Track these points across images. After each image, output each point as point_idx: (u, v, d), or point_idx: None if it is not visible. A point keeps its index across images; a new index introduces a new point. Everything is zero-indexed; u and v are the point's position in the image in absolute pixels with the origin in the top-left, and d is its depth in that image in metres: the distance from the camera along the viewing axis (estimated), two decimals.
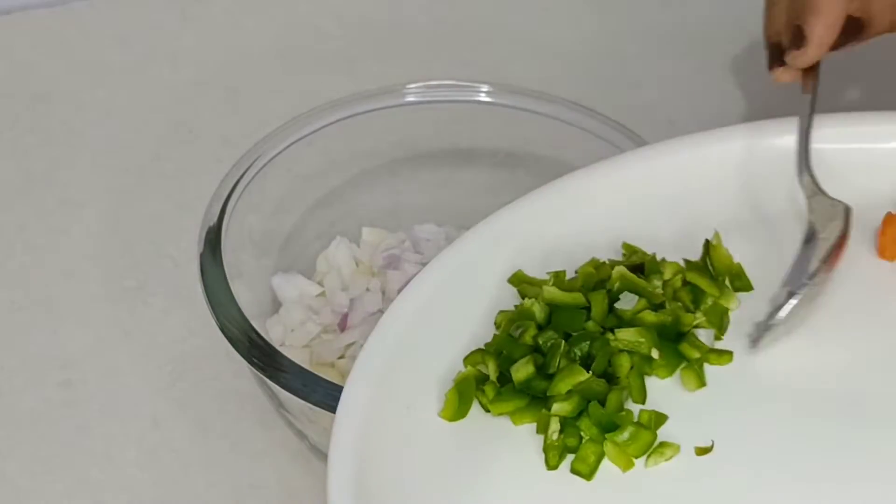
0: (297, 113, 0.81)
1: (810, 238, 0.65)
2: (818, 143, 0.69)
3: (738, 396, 0.62)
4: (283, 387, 0.68)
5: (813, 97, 0.69)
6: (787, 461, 0.60)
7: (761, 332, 0.63)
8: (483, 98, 0.82)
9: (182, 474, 0.76)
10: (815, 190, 0.67)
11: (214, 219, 0.75)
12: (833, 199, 0.66)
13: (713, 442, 0.60)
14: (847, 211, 0.65)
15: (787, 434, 0.61)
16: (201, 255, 0.73)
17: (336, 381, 0.69)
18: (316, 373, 0.69)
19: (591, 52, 0.99)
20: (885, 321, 0.65)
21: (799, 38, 0.68)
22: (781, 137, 0.70)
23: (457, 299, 0.65)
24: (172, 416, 0.78)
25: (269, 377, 0.69)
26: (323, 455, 0.73)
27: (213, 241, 0.74)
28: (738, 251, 0.67)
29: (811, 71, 0.69)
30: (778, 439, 0.60)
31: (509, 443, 0.61)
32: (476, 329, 0.65)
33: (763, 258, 0.67)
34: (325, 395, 0.68)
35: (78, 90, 0.97)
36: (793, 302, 0.63)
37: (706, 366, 0.63)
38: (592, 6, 1.03)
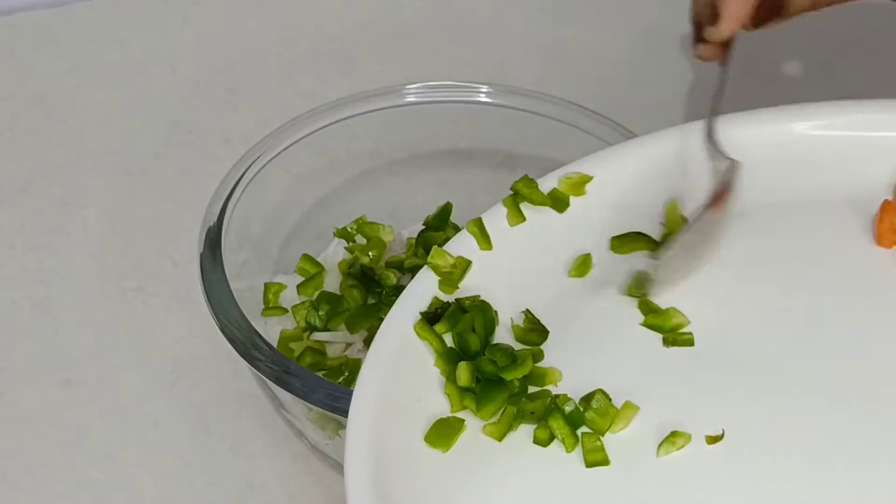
0: (297, 113, 0.81)
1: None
2: (815, 132, 0.70)
3: (747, 384, 0.62)
4: (282, 387, 0.68)
5: (726, 70, 0.73)
6: (795, 449, 0.60)
7: (641, 284, 0.65)
8: (483, 98, 0.82)
9: (182, 474, 0.76)
10: (716, 154, 0.68)
11: (214, 219, 0.75)
12: (728, 158, 0.68)
13: (723, 430, 0.60)
14: (733, 165, 0.67)
15: (795, 421, 0.61)
16: (201, 255, 0.73)
17: (336, 381, 0.70)
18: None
19: (591, 52, 0.99)
20: (885, 308, 0.65)
21: (714, 14, 0.72)
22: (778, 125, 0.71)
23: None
24: (172, 416, 0.78)
25: (269, 377, 0.69)
26: (322, 454, 0.73)
27: (213, 241, 0.74)
28: (736, 242, 0.67)
29: (728, 46, 0.73)
30: (786, 426, 0.61)
31: (527, 430, 0.62)
32: None
33: (762, 248, 0.68)
34: (325, 395, 0.68)
35: (78, 90, 0.97)
36: (667, 254, 0.65)
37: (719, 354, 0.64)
38: (591, 6, 1.03)
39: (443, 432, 0.61)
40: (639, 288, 0.65)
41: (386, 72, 0.97)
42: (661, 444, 0.61)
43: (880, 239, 0.67)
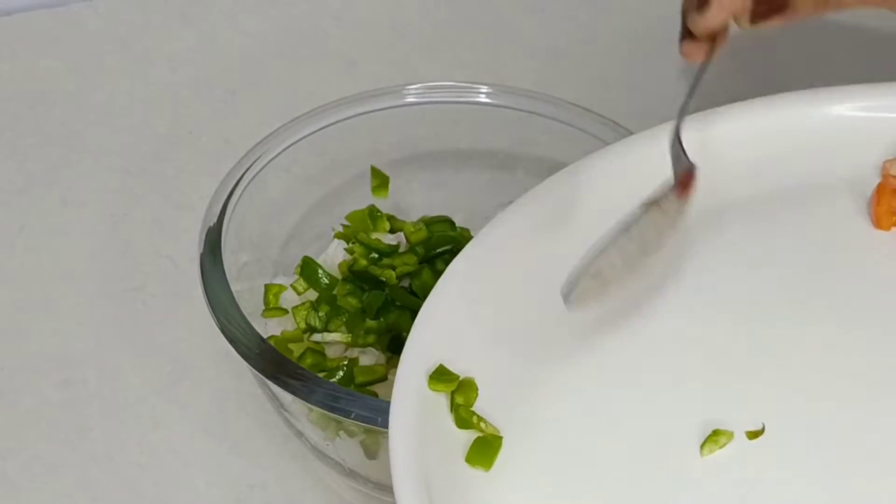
0: (297, 113, 0.81)
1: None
2: (810, 117, 0.70)
3: (764, 376, 0.62)
4: (282, 388, 0.68)
5: (704, 68, 0.66)
6: (815, 441, 0.60)
7: (570, 285, 0.59)
8: (482, 99, 0.82)
9: (182, 474, 0.76)
10: (679, 155, 0.64)
11: (214, 219, 0.75)
12: (688, 160, 0.63)
13: (764, 425, 0.60)
14: (690, 169, 0.62)
15: (811, 407, 0.61)
16: (201, 255, 0.73)
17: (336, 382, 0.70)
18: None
19: (590, 52, 0.99)
20: (888, 290, 0.65)
21: (703, 2, 0.65)
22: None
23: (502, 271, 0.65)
24: (172, 417, 0.78)
25: (269, 378, 0.69)
26: (322, 455, 0.73)
27: (213, 241, 0.74)
28: (735, 231, 0.67)
29: (715, 42, 0.66)
30: (809, 414, 0.61)
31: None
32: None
33: (762, 236, 0.68)
34: (325, 396, 0.68)
35: (78, 90, 0.97)
36: (595, 250, 0.60)
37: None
38: (590, 6, 1.03)
39: (482, 451, 0.60)
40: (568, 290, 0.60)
41: (386, 72, 0.97)
42: (703, 444, 0.60)
43: (878, 222, 0.67)
